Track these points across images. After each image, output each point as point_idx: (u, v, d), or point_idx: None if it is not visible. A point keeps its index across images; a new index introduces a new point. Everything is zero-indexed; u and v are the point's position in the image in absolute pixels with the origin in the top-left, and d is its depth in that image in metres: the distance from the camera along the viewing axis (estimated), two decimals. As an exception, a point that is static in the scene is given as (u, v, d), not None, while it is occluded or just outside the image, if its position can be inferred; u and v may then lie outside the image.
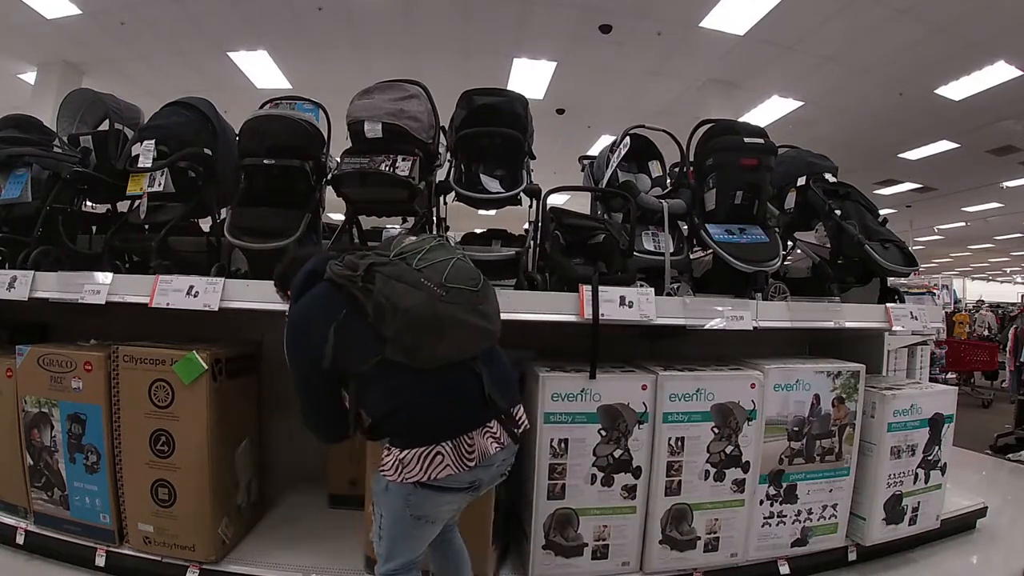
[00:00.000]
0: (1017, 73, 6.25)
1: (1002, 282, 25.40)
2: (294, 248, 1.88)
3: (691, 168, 2.26)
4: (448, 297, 1.26)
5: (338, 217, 2.42)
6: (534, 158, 2.29)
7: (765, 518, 1.92)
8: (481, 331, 1.31)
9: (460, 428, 1.27)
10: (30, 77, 7.24)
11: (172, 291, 1.75)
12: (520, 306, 1.76)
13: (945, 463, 2.12)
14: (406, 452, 1.24)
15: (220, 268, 1.90)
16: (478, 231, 2.81)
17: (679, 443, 1.80)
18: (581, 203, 2.83)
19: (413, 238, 1.37)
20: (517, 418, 1.37)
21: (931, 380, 3.19)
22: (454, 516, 1.45)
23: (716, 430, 1.82)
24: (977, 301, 14.33)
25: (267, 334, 2.07)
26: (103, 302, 1.79)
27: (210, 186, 2.01)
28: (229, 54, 6.76)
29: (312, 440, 1.45)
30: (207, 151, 1.99)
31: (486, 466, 1.30)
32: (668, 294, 1.98)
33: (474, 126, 2.16)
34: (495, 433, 1.30)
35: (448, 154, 2.28)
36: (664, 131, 2.42)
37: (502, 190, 2.19)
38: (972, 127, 7.78)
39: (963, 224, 14.18)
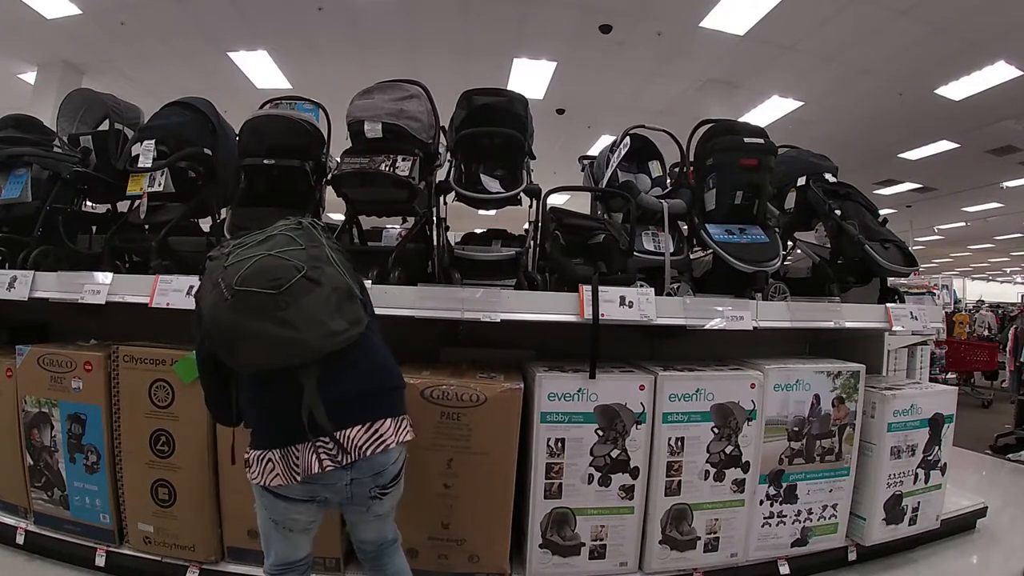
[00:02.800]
0: (1017, 73, 6.25)
1: (1002, 282, 25.41)
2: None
3: (691, 168, 2.26)
4: (232, 302, 1.12)
5: (338, 217, 2.42)
6: (534, 158, 2.29)
7: (765, 518, 1.92)
8: (279, 341, 1.14)
9: (282, 440, 1.21)
10: (30, 77, 7.24)
11: (172, 291, 1.75)
12: (520, 306, 1.76)
13: (945, 463, 2.13)
14: (249, 452, 1.23)
15: (220, 268, 1.90)
16: (478, 231, 2.80)
17: (679, 443, 1.80)
18: (581, 203, 2.83)
19: (278, 224, 1.29)
20: (357, 440, 1.21)
21: (931, 380, 3.19)
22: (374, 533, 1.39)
23: (716, 430, 1.82)
24: (977, 301, 14.34)
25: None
26: (103, 302, 1.79)
27: (210, 186, 2.01)
28: (229, 54, 6.76)
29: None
30: (207, 151, 1.99)
31: (325, 484, 1.23)
32: (668, 294, 1.98)
33: (474, 126, 2.16)
34: (329, 450, 1.20)
35: (448, 154, 2.28)
36: (664, 131, 2.42)
37: (502, 190, 2.19)
38: (972, 127, 7.78)
39: (963, 224, 14.19)
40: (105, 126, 2.25)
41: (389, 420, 1.27)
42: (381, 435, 1.24)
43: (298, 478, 1.20)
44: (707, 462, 1.82)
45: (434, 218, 2.26)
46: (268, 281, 1.13)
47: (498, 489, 1.71)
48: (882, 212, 2.30)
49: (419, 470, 1.58)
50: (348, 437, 1.21)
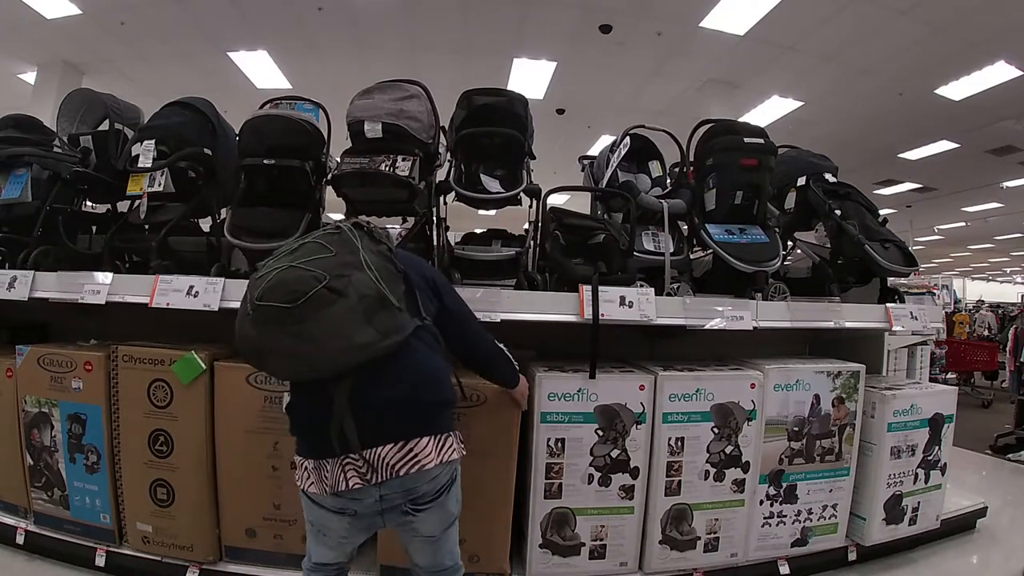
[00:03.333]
0: (1017, 73, 6.25)
1: (1002, 282, 25.41)
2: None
3: (691, 168, 2.26)
4: (253, 316, 1.11)
5: (338, 217, 2.42)
6: (534, 158, 2.29)
7: (765, 518, 1.92)
8: (296, 356, 1.11)
9: (315, 452, 1.21)
10: (30, 77, 7.24)
11: (172, 291, 1.75)
12: (520, 306, 1.76)
13: (945, 463, 2.12)
14: (294, 456, 1.27)
15: (220, 268, 1.90)
16: (478, 231, 2.80)
17: (679, 443, 1.80)
18: (581, 203, 2.83)
19: (316, 231, 1.26)
20: (388, 459, 1.16)
21: (931, 380, 3.19)
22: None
23: (716, 430, 1.82)
24: (977, 301, 14.34)
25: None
26: (103, 302, 1.79)
27: (210, 186, 2.01)
28: (229, 54, 6.75)
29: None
30: (207, 151, 1.99)
31: (353, 498, 1.20)
32: (668, 294, 1.98)
33: (474, 126, 2.16)
34: (359, 467, 1.17)
35: (448, 154, 2.28)
36: (664, 131, 2.42)
37: (502, 190, 2.19)
38: (972, 127, 7.78)
39: (963, 224, 14.18)
40: (105, 126, 2.25)
41: (427, 439, 1.20)
42: (416, 455, 1.18)
43: (328, 490, 1.20)
44: (707, 462, 1.82)
45: (434, 218, 2.26)
46: (285, 295, 1.09)
47: (498, 489, 1.70)
48: (882, 212, 2.30)
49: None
50: (378, 456, 1.17)
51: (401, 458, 1.18)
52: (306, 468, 1.22)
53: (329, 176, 2.06)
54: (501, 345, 1.50)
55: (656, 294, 1.82)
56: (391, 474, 1.17)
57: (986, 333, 10.32)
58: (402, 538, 1.34)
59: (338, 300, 1.11)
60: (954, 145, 8.61)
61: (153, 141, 1.92)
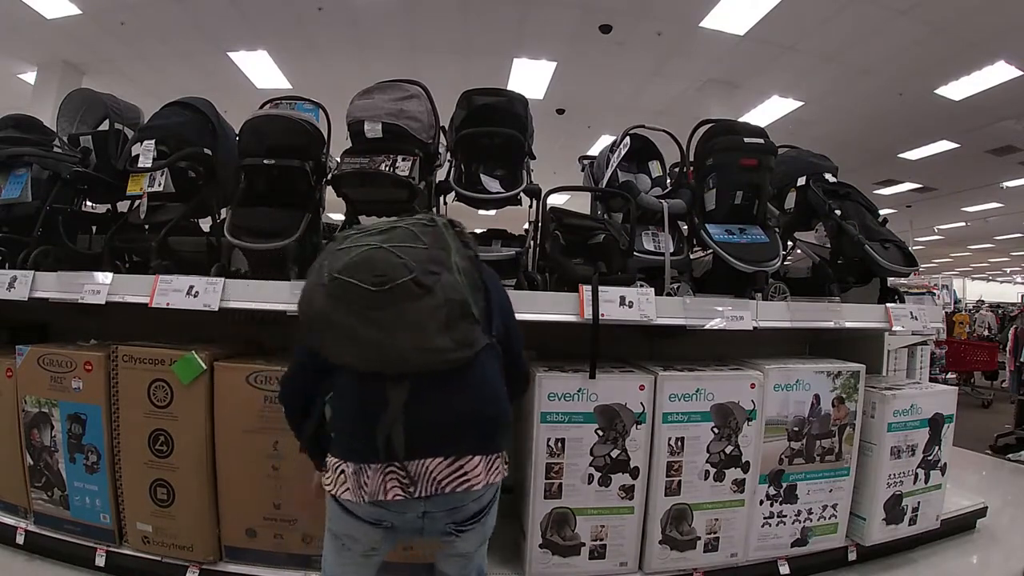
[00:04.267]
0: (1017, 73, 6.25)
1: (1002, 282, 25.42)
2: (295, 248, 1.88)
3: (691, 168, 2.26)
4: (329, 288, 1.04)
5: (338, 217, 2.42)
6: (534, 158, 2.29)
7: (765, 518, 1.92)
8: (365, 341, 1.04)
9: (357, 455, 1.11)
10: (30, 77, 7.25)
11: (172, 291, 1.74)
12: (520, 306, 1.75)
13: (945, 463, 2.12)
14: (329, 457, 1.16)
15: (220, 268, 1.90)
16: (478, 231, 2.80)
17: (679, 443, 1.80)
18: (581, 203, 2.83)
19: (407, 217, 1.17)
20: (436, 473, 1.10)
21: (931, 380, 3.19)
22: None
23: (716, 430, 1.82)
24: (977, 301, 14.35)
25: (267, 333, 2.08)
26: (103, 302, 1.78)
27: (210, 186, 2.01)
28: (229, 54, 6.76)
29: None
30: (207, 151, 1.99)
31: (393, 511, 1.12)
32: (668, 294, 1.98)
33: (474, 126, 2.16)
34: (402, 478, 1.09)
35: (448, 154, 2.28)
36: (664, 131, 2.42)
37: (502, 190, 2.19)
38: (972, 127, 7.78)
39: (963, 224, 14.19)
40: (105, 126, 2.25)
41: (479, 458, 1.13)
42: (466, 473, 1.12)
43: (366, 498, 1.10)
44: (707, 462, 1.82)
45: (434, 218, 2.26)
46: (370, 275, 1.02)
47: None
48: (882, 212, 2.30)
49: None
50: (425, 468, 1.10)
51: (450, 474, 1.11)
52: (342, 472, 1.11)
53: (329, 176, 2.06)
54: None
55: (656, 294, 1.82)
56: (436, 489, 1.10)
57: (986, 333, 10.33)
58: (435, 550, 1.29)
59: (424, 297, 1.05)
60: (954, 145, 8.62)
61: (153, 141, 1.91)
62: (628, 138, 2.36)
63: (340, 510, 1.15)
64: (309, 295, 1.10)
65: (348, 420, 1.15)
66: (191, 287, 1.74)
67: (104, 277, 1.83)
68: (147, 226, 2.12)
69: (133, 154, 1.93)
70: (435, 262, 1.08)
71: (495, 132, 2.16)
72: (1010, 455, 4.11)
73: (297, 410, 1.28)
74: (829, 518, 1.99)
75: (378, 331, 1.04)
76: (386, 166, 1.87)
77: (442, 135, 2.21)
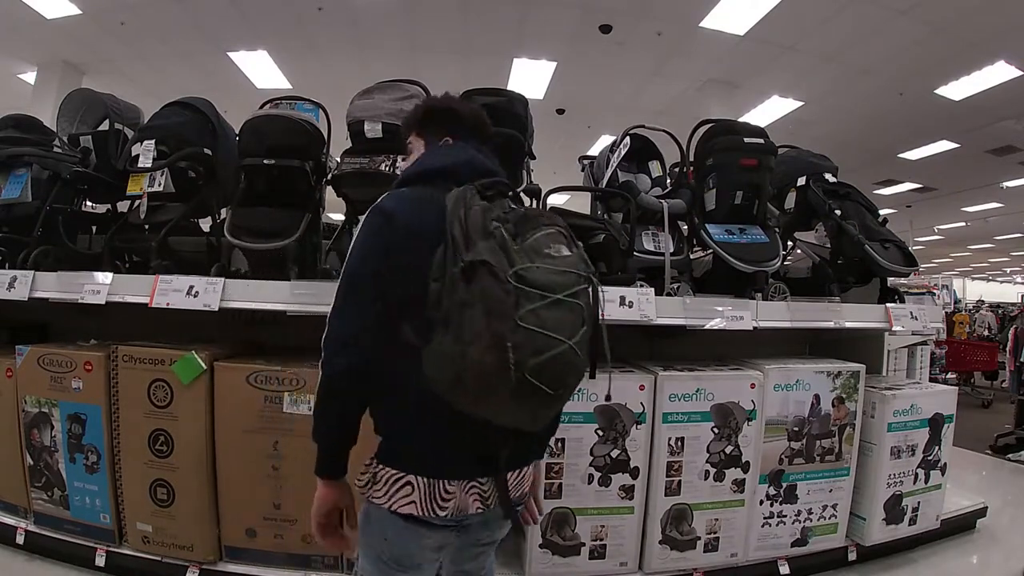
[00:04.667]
0: (1017, 73, 6.25)
1: (1002, 282, 25.41)
2: (294, 248, 1.88)
3: (691, 168, 2.26)
4: (516, 387, 0.85)
5: (338, 217, 2.42)
6: (534, 158, 2.29)
7: (765, 518, 1.92)
8: (509, 418, 0.93)
9: (441, 470, 1.01)
10: (30, 77, 7.24)
11: (172, 291, 1.74)
12: (520, 306, 1.76)
13: (945, 463, 2.12)
14: (377, 467, 1.03)
15: (220, 268, 1.90)
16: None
17: (679, 443, 1.80)
18: (581, 203, 2.83)
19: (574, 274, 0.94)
20: (522, 483, 1.09)
21: (931, 380, 3.19)
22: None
23: (716, 430, 1.82)
24: (977, 301, 14.35)
25: (267, 333, 2.08)
26: (103, 302, 1.79)
27: (210, 186, 2.01)
28: (229, 54, 6.76)
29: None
30: (207, 151, 1.99)
31: (460, 529, 1.06)
32: (668, 294, 1.98)
33: (474, 126, 2.15)
34: (484, 491, 1.04)
35: (448, 154, 2.27)
36: (664, 131, 2.42)
37: (502, 190, 2.19)
38: (972, 127, 7.78)
39: (963, 224, 14.19)
40: (105, 126, 2.25)
41: (531, 466, 1.14)
42: (523, 479, 1.11)
43: (441, 513, 1.01)
44: (707, 462, 1.82)
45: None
46: (559, 385, 0.90)
47: None
48: (882, 212, 2.30)
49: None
50: (519, 479, 1.09)
51: (518, 482, 1.09)
52: (408, 484, 1.00)
53: (329, 176, 2.06)
54: None
55: (656, 294, 1.82)
56: (512, 498, 1.07)
57: (986, 333, 10.33)
58: (445, 570, 1.19)
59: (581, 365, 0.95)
60: (954, 145, 8.61)
61: (153, 141, 1.92)
62: (628, 138, 2.35)
63: (399, 526, 1.02)
64: (488, 380, 0.87)
65: (434, 433, 1.00)
66: (191, 287, 1.74)
67: (104, 277, 1.83)
68: (147, 226, 2.11)
69: (133, 154, 1.93)
70: (589, 324, 0.96)
71: (495, 132, 2.16)
72: (1010, 455, 4.11)
73: (357, 392, 1.03)
74: (829, 518, 1.99)
75: (531, 417, 0.94)
76: (386, 166, 1.87)
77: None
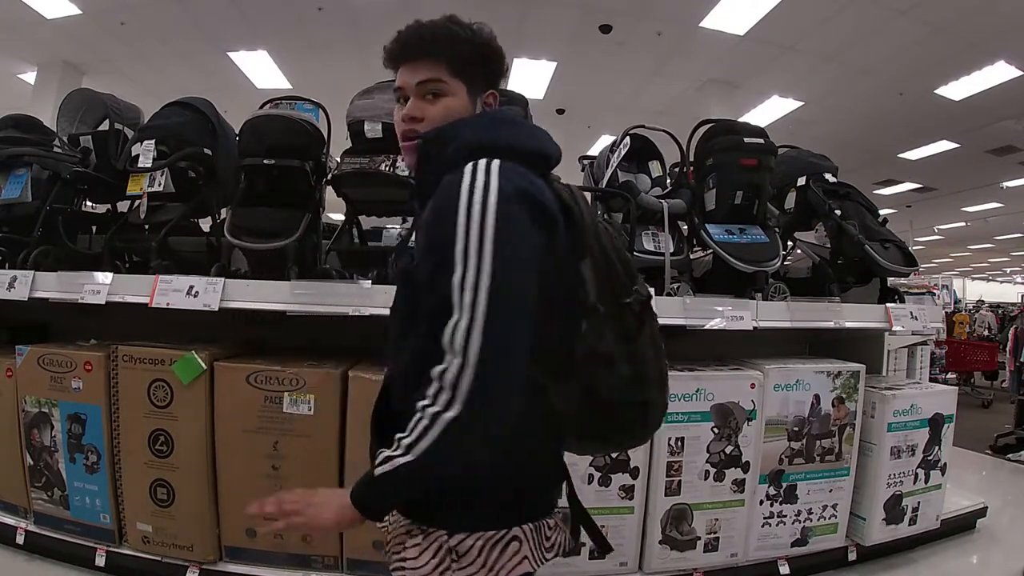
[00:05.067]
0: (1017, 73, 6.25)
1: (1002, 282, 25.43)
2: (294, 248, 1.88)
3: (691, 168, 2.26)
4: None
5: (338, 217, 2.42)
6: (534, 158, 2.29)
7: (765, 518, 1.92)
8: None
9: (544, 510, 0.92)
10: (30, 77, 7.25)
11: (172, 291, 1.74)
12: (520, 306, 1.76)
13: (945, 463, 2.12)
14: (463, 539, 0.82)
15: (220, 268, 1.90)
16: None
17: (679, 443, 1.80)
18: (581, 203, 2.83)
19: None
20: None
21: (931, 380, 3.19)
22: None
23: (716, 430, 1.82)
24: (977, 301, 14.36)
25: (267, 333, 2.08)
26: (103, 302, 1.78)
27: (210, 186, 2.01)
28: (229, 54, 6.76)
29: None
30: (207, 151, 1.99)
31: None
32: (668, 294, 1.98)
33: (474, 126, 2.15)
34: (562, 518, 0.96)
35: (448, 154, 2.27)
36: (664, 131, 2.42)
37: (502, 190, 2.19)
38: (972, 127, 7.78)
39: (963, 224, 14.20)
40: (105, 126, 2.25)
41: None
42: None
43: (549, 556, 0.90)
44: (707, 462, 1.82)
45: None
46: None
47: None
48: (882, 212, 2.30)
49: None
50: None
51: None
52: (515, 540, 0.85)
53: (329, 176, 2.06)
54: None
55: (656, 294, 1.82)
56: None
57: (986, 333, 10.34)
58: None
59: None
60: (954, 145, 8.63)
61: (153, 141, 1.91)
62: (628, 138, 2.36)
63: None
64: (644, 384, 0.85)
65: (557, 475, 0.92)
66: (191, 287, 1.73)
67: (104, 277, 1.83)
68: (147, 226, 2.12)
69: (133, 154, 1.93)
70: None
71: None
72: (1010, 455, 4.11)
73: (520, 384, 0.78)
74: (829, 518, 1.99)
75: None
76: (386, 166, 1.87)
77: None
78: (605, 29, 6.01)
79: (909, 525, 2.07)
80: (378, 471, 0.78)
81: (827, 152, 2.52)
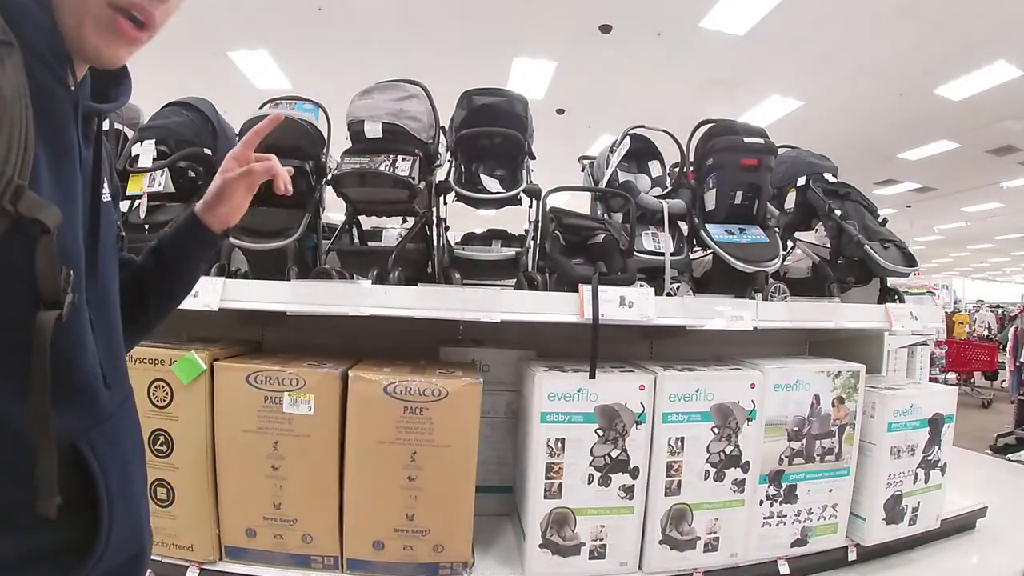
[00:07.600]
0: (1017, 73, 6.26)
1: (1002, 282, 25.43)
2: (294, 248, 1.88)
3: (691, 168, 2.26)
4: None
5: (338, 217, 2.42)
6: (534, 158, 2.30)
7: (765, 518, 1.92)
8: None
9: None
10: (30, 77, 7.24)
11: (172, 291, 1.74)
12: (520, 306, 1.76)
13: (945, 463, 2.12)
14: None
15: (220, 268, 1.90)
16: (478, 231, 2.80)
17: (679, 443, 1.80)
18: (581, 203, 2.84)
19: None
20: None
21: (931, 380, 3.19)
22: None
23: (716, 430, 1.82)
24: (977, 301, 14.36)
25: (267, 333, 2.08)
26: (103, 302, 1.78)
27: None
28: (229, 54, 6.77)
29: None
30: (207, 151, 1.99)
31: None
32: (668, 294, 1.98)
33: (474, 126, 2.16)
34: None
35: (448, 154, 2.28)
36: (664, 131, 2.42)
37: (502, 190, 2.19)
38: (972, 127, 7.79)
39: (963, 224, 14.22)
40: (105, 126, 2.25)
41: None
42: None
43: None
44: (707, 462, 1.82)
45: (434, 218, 2.26)
46: None
47: (461, 480, 1.69)
48: (882, 212, 2.30)
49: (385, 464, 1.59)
50: None
51: None
52: None
53: (329, 176, 2.06)
54: None
55: (656, 294, 1.82)
56: None
57: (986, 333, 10.34)
58: None
59: None
60: (954, 145, 8.64)
61: (153, 141, 1.92)
62: (628, 138, 2.36)
63: None
64: None
65: None
66: (191, 287, 1.73)
67: (104, 277, 1.83)
68: (147, 226, 2.11)
69: (133, 154, 1.94)
70: None
71: (495, 132, 2.17)
72: (1010, 455, 4.12)
73: None
74: (829, 518, 1.99)
75: None
76: (386, 166, 1.88)
77: (442, 135, 2.22)
78: (605, 29, 6.02)
79: (909, 525, 2.07)
80: None
81: (827, 152, 2.52)
